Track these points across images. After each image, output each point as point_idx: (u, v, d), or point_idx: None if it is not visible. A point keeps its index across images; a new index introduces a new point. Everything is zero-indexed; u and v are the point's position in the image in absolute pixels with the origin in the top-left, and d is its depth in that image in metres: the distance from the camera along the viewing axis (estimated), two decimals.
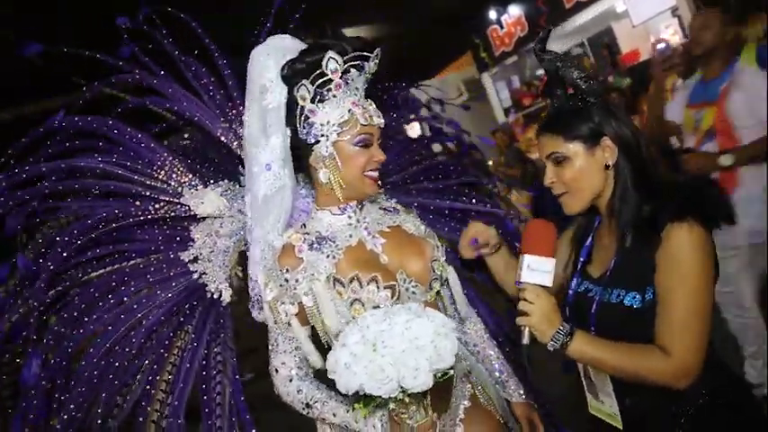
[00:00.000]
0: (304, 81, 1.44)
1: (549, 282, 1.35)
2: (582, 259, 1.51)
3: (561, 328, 1.31)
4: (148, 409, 1.65)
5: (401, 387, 1.23)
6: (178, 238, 1.77)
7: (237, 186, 1.79)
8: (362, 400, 1.27)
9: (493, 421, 1.60)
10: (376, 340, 1.24)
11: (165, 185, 1.76)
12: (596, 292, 1.41)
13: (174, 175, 1.76)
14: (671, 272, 1.26)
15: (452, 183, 2.11)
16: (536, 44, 1.50)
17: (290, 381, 1.48)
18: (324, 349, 1.52)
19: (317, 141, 1.46)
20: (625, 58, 9.62)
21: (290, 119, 1.51)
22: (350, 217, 1.53)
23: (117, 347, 1.65)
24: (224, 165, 1.76)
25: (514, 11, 11.25)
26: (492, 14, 11.71)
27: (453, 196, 2.07)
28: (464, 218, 2.04)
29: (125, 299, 1.67)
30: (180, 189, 1.76)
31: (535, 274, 1.34)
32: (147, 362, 1.68)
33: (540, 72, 11.81)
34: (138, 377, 1.66)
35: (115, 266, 1.72)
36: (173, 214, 1.76)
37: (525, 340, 1.34)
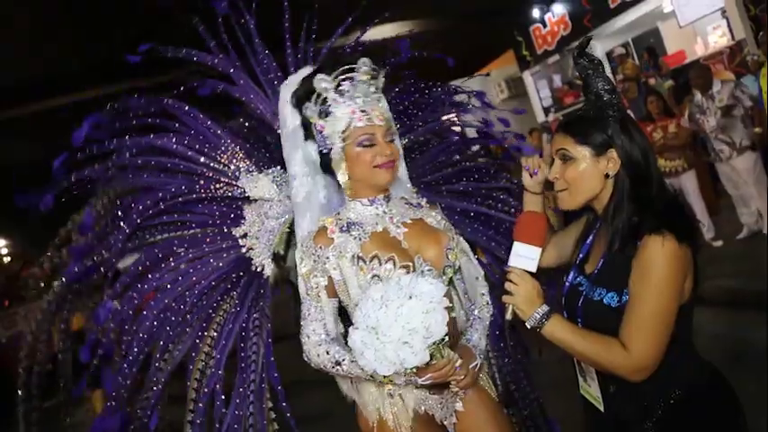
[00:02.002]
0: (308, 103, 1.66)
1: (533, 268, 1.49)
2: (581, 255, 1.62)
3: (540, 310, 1.45)
4: (196, 358, 1.89)
5: (405, 366, 1.42)
6: (232, 216, 1.98)
7: (287, 174, 1.97)
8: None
9: (491, 400, 1.78)
10: (377, 328, 1.41)
11: (226, 168, 1.99)
12: (585, 287, 1.53)
13: (234, 160, 2.00)
14: (640, 276, 1.38)
15: (483, 186, 2.24)
16: (575, 49, 1.58)
17: (320, 345, 1.65)
18: (349, 317, 1.73)
19: (331, 149, 1.66)
20: (670, 59, 9.45)
21: (309, 135, 1.73)
22: (377, 208, 1.71)
23: (173, 304, 1.88)
24: (278, 153, 1.97)
25: (558, 9, 11.16)
26: (535, 12, 11.64)
27: (482, 199, 2.21)
28: (488, 221, 2.18)
29: (182, 264, 1.91)
30: (238, 173, 1.99)
31: (521, 260, 1.49)
32: (196, 319, 1.91)
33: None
34: (189, 331, 1.90)
35: (177, 234, 1.96)
36: (229, 194, 1.98)
37: (508, 316, 1.50)
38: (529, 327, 1.47)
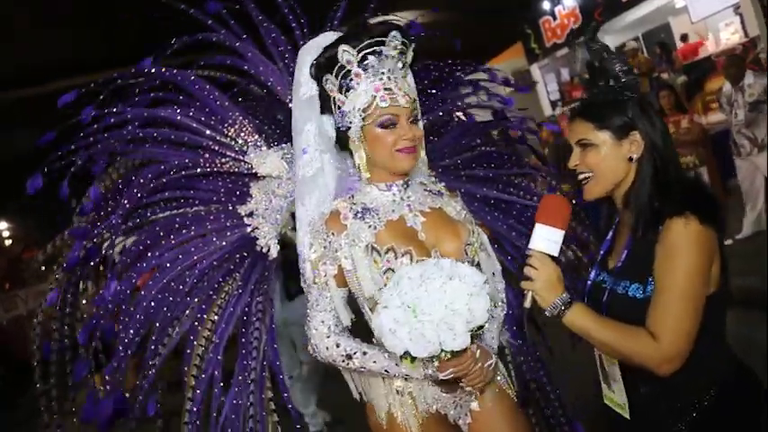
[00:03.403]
0: (328, 75, 1.55)
1: (555, 251, 1.42)
2: (602, 251, 1.57)
3: (561, 297, 1.39)
4: (195, 342, 1.79)
5: (442, 348, 1.34)
6: (238, 193, 1.88)
7: None
8: (409, 356, 1.38)
9: (508, 399, 1.69)
10: (415, 306, 1.32)
11: (233, 142, 1.87)
12: (609, 282, 1.47)
13: (241, 134, 1.88)
14: (664, 260, 1.32)
15: (503, 173, 2.14)
16: (587, 33, 1.55)
17: (328, 337, 1.57)
18: (358, 310, 1.64)
19: (349, 127, 1.56)
20: (682, 51, 9.34)
21: (327, 108, 1.61)
22: (394, 194, 1.61)
23: (173, 284, 1.78)
24: (288, 129, 1.85)
25: (569, 2, 11.05)
26: (545, 5, 11.53)
27: (502, 186, 2.11)
28: (509, 209, 2.08)
29: (184, 242, 1.81)
30: (245, 147, 1.87)
31: (544, 243, 1.40)
32: (197, 300, 1.81)
33: None
34: (188, 313, 1.80)
35: (180, 210, 1.86)
36: (236, 170, 1.87)
37: (527, 304, 1.43)
38: (549, 315, 1.40)
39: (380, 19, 1.58)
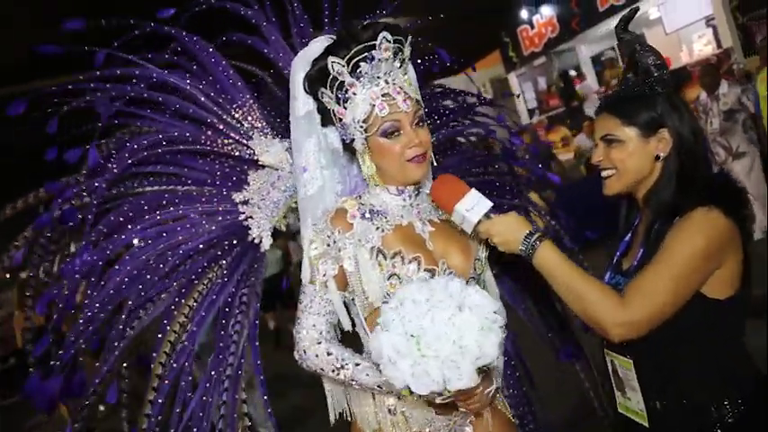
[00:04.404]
0: (322, 88, 1.47)
1: (487, 202, 1.42)
2: (618, 253, 1.52)
3: (528, 231, 1.36)
4: (168, 328, 1.67)
5: (446, 387, 1.23)
6: (235, 178, 1.79)
7: None
8: (408, 390, 1.26)
9: (508, 423, 1.59)
10: (419, 338, 1.22)
11: (239, 125, 1.79)
12: (624, 284, 1.41)
13: (249, 118, 1.80)
14: (676, 234, 1.26)
15: (504, 202, 2.04)
16: (619, 23, 1.49)
17: (319, 343, 1.47)
18: (355, 317, 1.54)
19: (353, 139, 1.48)
20: None
21: (328, 121, 1.53)
22: (404, 200, 1.53)
23: (152, 262, 1.67)
24: None
25: (546, 11, 11.13)
26: (523, 14, 11.60)
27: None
28: None
29: (170, 220, 1.71)
30: (251, 132, 1.79)
31: (475, 210, 1.40)
32: (175, 284, 1.70)
33: (572, 73, 11.69)
34: (164, 296, 1.69)
35: (170, 187, 1.76)
36: (237, 154, 1.79)
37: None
38: (524, 256, 1.37)
39: (366, 23, 1.48)
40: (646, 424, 1.39)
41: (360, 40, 1.41)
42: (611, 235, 1.62)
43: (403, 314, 1.24)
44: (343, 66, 1.42)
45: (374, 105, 1.43)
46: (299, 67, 1.56)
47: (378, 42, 1.41)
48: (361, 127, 1.45)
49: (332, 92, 1.45)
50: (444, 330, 1.21)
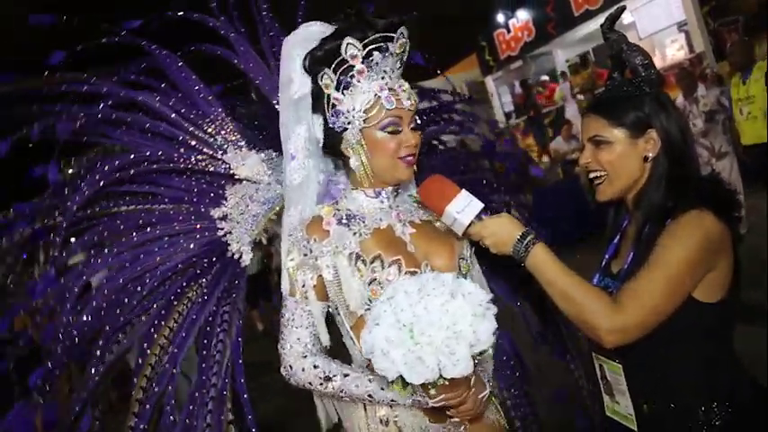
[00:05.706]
0: (326, 69, 1.41)
1: (479, 203, 1.38)
2: (607, 256, 1.50)
3: (520, 233, 1.32)
4: (148, 351, 1.63)
5: (441, 375, 1.20)
6: (212, 194, 1.75)
7: (281, 158, 1.72)
8: (401, 381, 1.24)
9: (499, 430, 1.55)
10: (412, 326, 1.19)
11: (212, 139, 1.75)
12: (613, 287, 1.39)
13: (222, 132, 1.75)
14: (667, 237, 1.26)
15: (493, 201, 2.01)
16: (605, 22, 1.47)
17: (305, 357, 1.43)
18: (336, 327, 1.50)
19: (346, 129, 1.43)
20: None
21: (318, 108, 1.48)
22: (382, 202, 1.49)
23: (129, 285, 1.63)
24: (275, 135, 1.69)
25: (522, 15, 11.21)
26: (500, 18, 11.67)
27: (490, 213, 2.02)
28: None
29: (147, 240, 1.67)
30: (225, 146, 1.75)
31: (466, 212, 1.36)
32: (155, 306, 1.65)
33: (545, 78, 11.81)
34: (144, 318, 1.65)
35: (145, 206, 1.72)
36: (212, 169, 1.75)
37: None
38: (517, 258, 1.33)
39: (380, 15, 1.44)
40: (635, 428, 1.37)
41: (378, 28, 1.37)
42: (597, 235, 1.59)
43: (395, 305, 1.22)
44: (359, 49, 1.36)
45: (380, 97, 1.38)
46: (296, 48, 1.49)
47: (396, 35, 1.38)
48: (362, 117, 1.40)
49: (335, 74, 1.39)
50: (438, 316, 1.18)
